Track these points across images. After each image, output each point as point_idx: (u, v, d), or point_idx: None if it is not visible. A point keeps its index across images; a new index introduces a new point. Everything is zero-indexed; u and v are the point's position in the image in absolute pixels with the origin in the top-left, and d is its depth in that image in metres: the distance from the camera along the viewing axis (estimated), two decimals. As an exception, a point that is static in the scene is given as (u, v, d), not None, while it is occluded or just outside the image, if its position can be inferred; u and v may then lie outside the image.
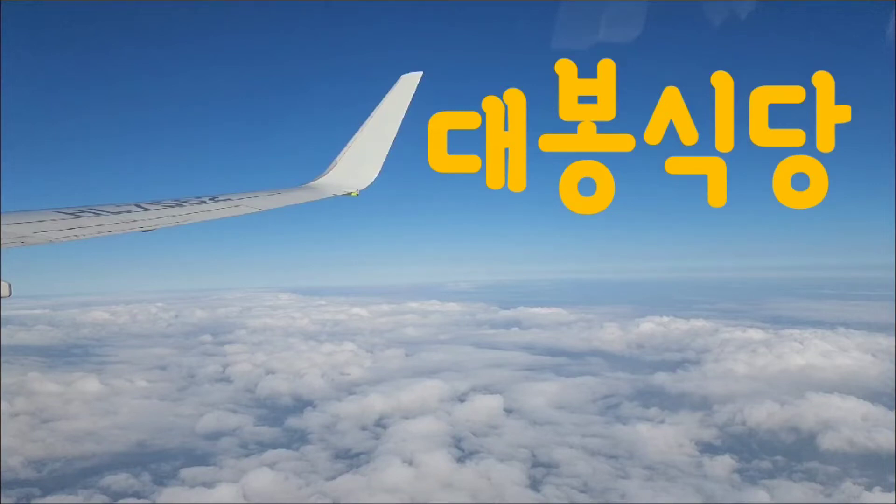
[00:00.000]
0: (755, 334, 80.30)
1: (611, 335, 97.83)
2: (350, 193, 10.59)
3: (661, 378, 64.08)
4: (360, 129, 11.10)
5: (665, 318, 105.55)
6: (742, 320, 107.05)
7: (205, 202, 8.80)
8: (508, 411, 54.01)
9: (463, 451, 44.24)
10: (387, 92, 11.06)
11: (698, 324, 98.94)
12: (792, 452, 44.34)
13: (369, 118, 11.05)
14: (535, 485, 38.83)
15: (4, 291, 5.40)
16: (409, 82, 10.98)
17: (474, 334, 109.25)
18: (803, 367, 64.18)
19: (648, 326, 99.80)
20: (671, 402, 57.03)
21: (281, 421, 54.07)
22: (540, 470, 40.91)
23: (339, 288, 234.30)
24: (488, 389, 62.51)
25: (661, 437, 47.40)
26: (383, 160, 10.98)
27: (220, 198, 9.08)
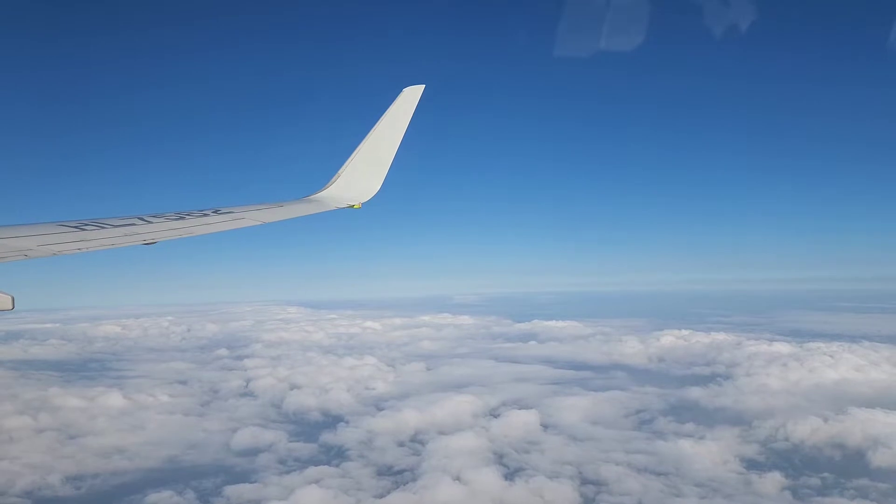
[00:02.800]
0: (782, 348, 79.74)
1: (631, 349, 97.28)
2: (352, 206, 10.54)
3: (694, 392, 63.48)
4: (363, 142, 11.06)
5: (684, 332, 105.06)
6: (761, 333, 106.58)
7: (207, 215, 8.77)
8: (545, 427, 53.36)
9: (508, 467, 43.60)
10: (389, 105, 11.06)
11: (719, 337, 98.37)
12: (841, 469, 43.66)
13: (372, 131, 11.02)
14: (588, 503, 38.17)
15: (7, 304, 5.27)
16: (412, 95, 10.97)
17: (492, 348, 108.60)
18: (838, 381, 63.58)
19: (669, 340, 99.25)
20: (707, 418, 56.38)
21: (315, 436, 53.39)
22: (590, 487, 40.25)
23: (345, 301, 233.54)
24: (519, 404, 61.89)
25: (705, 453, 46.76)
26: (386, 173, 10.95)
27: (223, 210, 9.05)
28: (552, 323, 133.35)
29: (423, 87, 11.01)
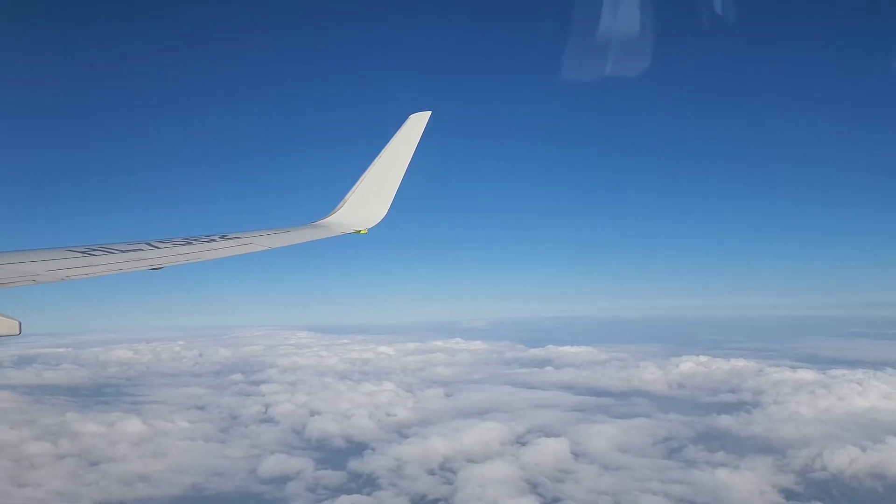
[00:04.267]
0: (807, 375, 78.83)
1: (651, 375, 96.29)
2: (359, 231, 10.58)
3: (721, 420, 62.67)
4: (369, 168, 11.12)
5: (702, 358, 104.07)
6: (779, 360, 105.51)
7: (215, 240, 8.82)
8: (575, 455, 52.59)
9: (544, 497, 42.93)
10: (395, 131, 11.13)
11: (739, 364, 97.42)
12: (883, 500, 42.84)
13: (378, 157, 11.08)
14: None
15: (14, 329, 5.26)
16: (418, 122, 11.05)
17: (508, 373, 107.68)
18: (868, 409, 62.68)
19: (688, 366, 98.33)
20: (738, 446, 55.56)
21: (342, 464, 52.70)
22: (631, 518, 39.48)
23: (353, 326, 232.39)
24: (545, 431, 61.15)
25: (742, 483, 45.99)
26: (392, 198, 11.00)
27: (231, 236, 9.12)
28: (566, 348, 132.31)
29: (429, 113, 11.09)
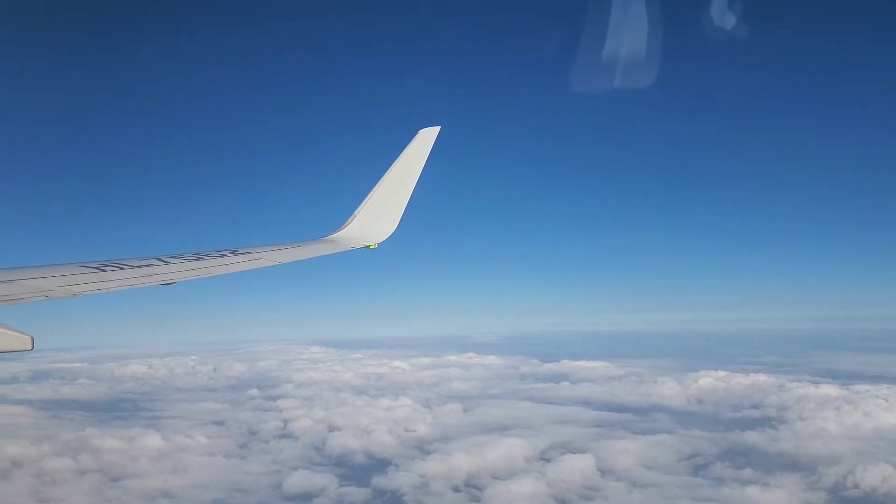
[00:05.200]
0: (830, 390, 77.93)
1: (669, 390, 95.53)
2: (368, 246, 10.62)
3: (746, 437, 62.00)
4: (379, 183, 11.18)
5: (721, 373, 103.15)
6: (798, 375, 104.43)
7: (225, 255, 8.89)
8: (602, 472, 52.05)
9: (575, 515, 42.37)
10: (405, 146, 11.19)
11: (759, 379, 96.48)
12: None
13: (388, 172, 11.15)
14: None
15: (27, 345, 5.33)
16: (427, 137, 11.12)
17: (524, 388, 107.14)
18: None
19: (707, 381, 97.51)
20: (765, 463, 54.87)
21: (366, 480, 52.37)
22: (665, 537, 38.93)
23: (364, 340, 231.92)
24: (568, 448, 60.63)
25: (773, 500, 45.42)
26: (401, 213, 11.04)
27: (241, 251, 9.19)
28: (582, 363, 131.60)
29: (438, 128, 11.14)
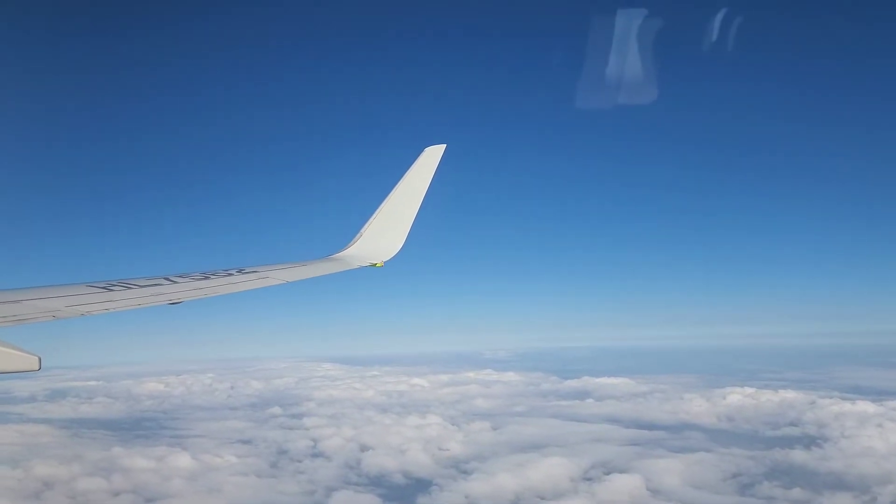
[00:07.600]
0: (867, 407, 76.77)
1: (698, 407, 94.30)
2: (375, 264, 10.59)
3: (791, 455, 60.88)
4: (385, 201, 11.18)
5: (749, 389, 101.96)
6: (826, 391, 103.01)
7: (232, 274, 8.95)
8: (652, 492, 51.03)
9: (634, 537, 41.35)
10: (411, 164, 11.18)
11: (789, 395, 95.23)
12: None
13: (394, 190, 11.14)
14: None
15: (34, 365, 5.29)
16: (433, 155, 11.11)
17: (548, 406, 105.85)
18: (944, 443, 60.72)
19: (736, 398, 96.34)
20: (813, 482, 53.81)
21: (410, 501, 51.54)
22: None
23: (377, 357, 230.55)
24: (608, 467, 59.68)
25: (832, 522, 44.26)
26: (408, 232, 11.02)
27: (248, 270, 9.25)
28: (603, 380, 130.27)
29: (444, 146, 11.15)
